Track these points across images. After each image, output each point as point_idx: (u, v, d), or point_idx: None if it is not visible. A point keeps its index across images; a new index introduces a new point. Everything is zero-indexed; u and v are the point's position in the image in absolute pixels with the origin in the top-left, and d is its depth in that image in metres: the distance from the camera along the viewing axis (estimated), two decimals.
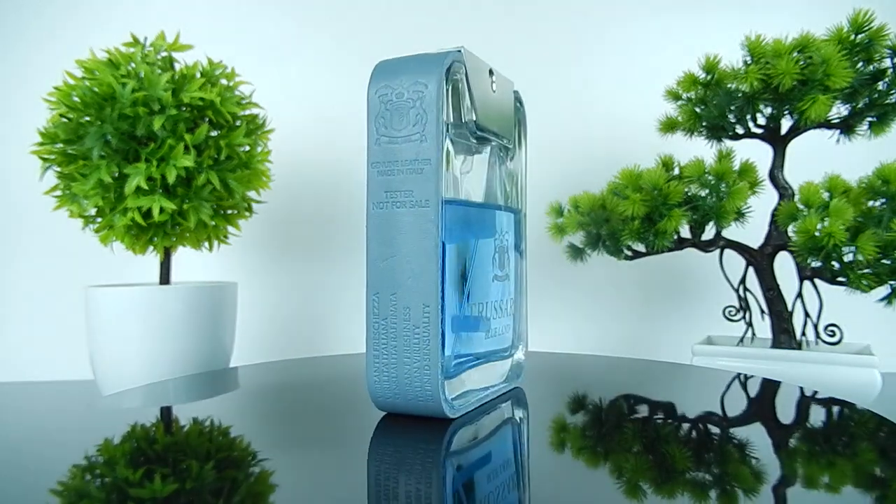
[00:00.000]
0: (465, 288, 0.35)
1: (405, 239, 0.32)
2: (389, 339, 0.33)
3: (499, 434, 0.33)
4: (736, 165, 0.76)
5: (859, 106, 0.69)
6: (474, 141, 0.36)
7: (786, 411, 0.40)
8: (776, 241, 0.74)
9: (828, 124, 0.73)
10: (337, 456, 0.30)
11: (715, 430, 0.34)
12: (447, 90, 0.32)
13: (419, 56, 0.33)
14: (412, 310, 0.32)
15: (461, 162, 0.37)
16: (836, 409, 0.39)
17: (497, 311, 0.38)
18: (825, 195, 0.66)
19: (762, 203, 0.77)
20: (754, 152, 0.79)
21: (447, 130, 0.32)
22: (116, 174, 0.65)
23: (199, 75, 0.70)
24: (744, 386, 0.45)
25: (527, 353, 0.42)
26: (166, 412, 0.39)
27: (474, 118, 0.34)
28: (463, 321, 0.35)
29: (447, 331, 0.32)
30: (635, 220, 0.73)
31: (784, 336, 0.73)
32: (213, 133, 0.71)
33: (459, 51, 0.33)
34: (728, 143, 0.78)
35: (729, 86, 0.72)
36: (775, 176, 0.74)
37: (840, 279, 0.67)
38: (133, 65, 0.67)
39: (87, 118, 0.66)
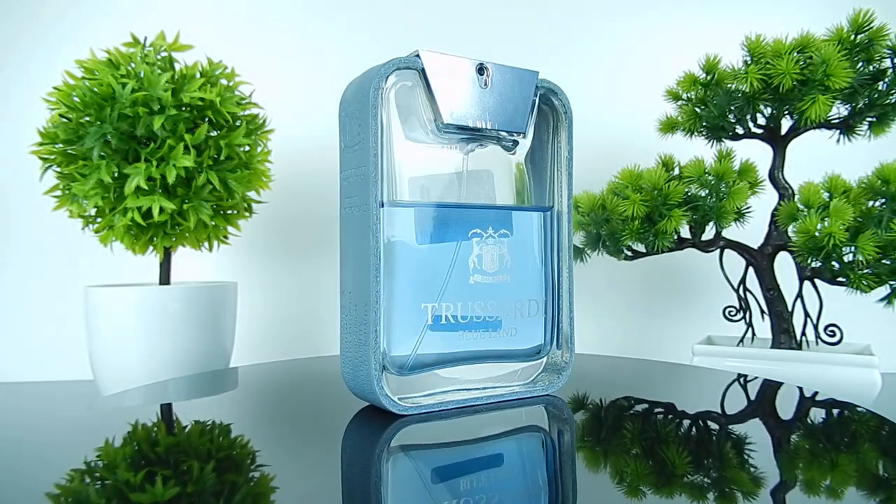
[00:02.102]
0: (438, 288, 0.35)
1: (355, 240, 0.35)
2: (347, 333, 0.36)
3: (457, 434, 0.33)
4: (736, 165, 0.76)
5: (859, 106, 0.69)
6: (446, 140, 0.36)
7: (786, 412, 0.40)
8: (776, 241, 0.74)
9: (828, 124, 0.73)
10: (325, 453, 0.30)
11: (715, 430, 0.34)
12: (383, 98, 0.34)
13: (370, 69, 0.35)
14: (358, 307, 0.34)
15: (460, 161, 0.37)
16: (836, 409, 0.39)
17: (488, 312, 0.37)
18: (825, 195, 0.66)
19: (762, 203, 0.77)
20: (754, 152, 0.79)
21: (382, 136, 0.34)
22: (116, 174, 0.65)
23: (198, 75, 0.70)
24: (744, 386, 0.45)
25: (570, 357, 0.40)
26: (166, 412, 0.39)
27: (437, 119, 0.34)
28: (417, 320, 0.35)
29: (385, 328, 0.34)
30: (635, 220, 0.73)
31: (784, 336, 0.73)
32: (213, 133, 0.71)
33: (417, 56, 0.34)
34: (728, 143, 0.78)
35: (729, 86, 0.72)
36: (775, 176, 0.74)
37: (840, 279, 0.67)
38: (133, 65, 0.67)
39: (87, 118, 0.66)
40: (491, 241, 0.37)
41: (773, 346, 0.73)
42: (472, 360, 0.37)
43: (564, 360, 0.40)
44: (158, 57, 0.70)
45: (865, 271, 0.64)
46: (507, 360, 0.38)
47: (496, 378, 0.38)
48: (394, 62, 0.33)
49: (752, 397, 0.43)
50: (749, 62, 0.69)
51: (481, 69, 0.35)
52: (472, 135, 0.36)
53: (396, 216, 0.34)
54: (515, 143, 0.38)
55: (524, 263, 0.38)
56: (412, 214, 0.35)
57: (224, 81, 0.73)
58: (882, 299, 0.65)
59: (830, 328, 0.71)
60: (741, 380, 0.47)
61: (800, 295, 0.73)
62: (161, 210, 0.66)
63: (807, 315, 0.72)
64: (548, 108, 0.40)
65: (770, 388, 0.45)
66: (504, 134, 0.36)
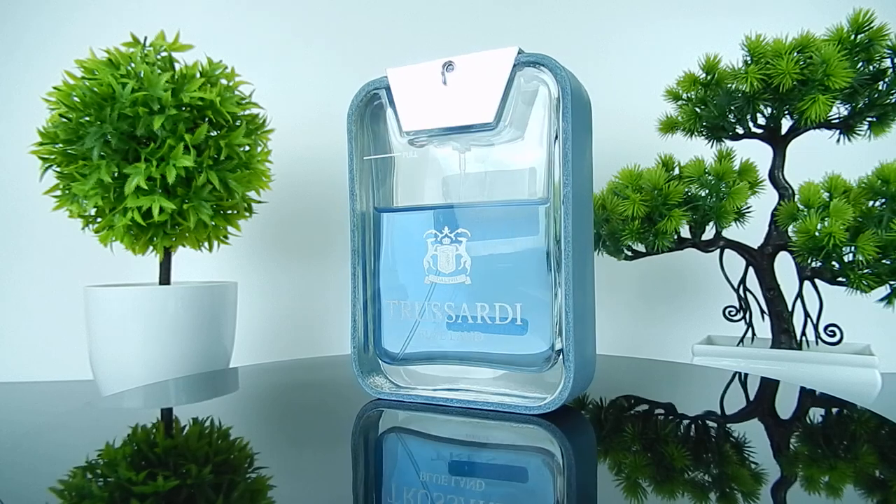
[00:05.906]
0: (401, 287, 0.38)
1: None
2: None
3: (419, 428, 0.33)
4: (736, 165, 0.76)
5: (859, 106, 0.69)
6: (429, 146, 0.37)
7: (785, 411, 0.40)
8: (776, 241, 0.74)
9: (828, 124, 0.73)
10: (325, 453, 0.30)
11: (715, 429, 0.34)
12: (363, 118, 0.38)
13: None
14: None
15: (461, 164, 0.37)
16: (835, 408, 0.39)
17: (447, 313, 0.36)
18: (825, 195, 0.66)
19: (762, 203, 0.77)
20: (754, 152, 0.79)
21: (357, 155, 0.38)
22: (116, 174, 0.65)
23: (198, 75, 0.70)
24: (743, 385, 0.45)
25: (566, 379, 0.33)
26: (166, 413, 0.39)
27: (401, 129, 0.37)
28: (394, 316, 0.39)
29: (371, 322, 0.39)
30: (635, 220, 0.73)
31: (784, 336, 0.73)
32: (213, 133, 0.71)
33: (384, 77, 0.37)
34: (728, 143, 0.78)
35: (729, 86, 0.72)
36: (775, 176, 0.74)
37: (840, 279, 0.67)
38: (133, 65, 0.67)
39: (87, 118, 0.66)
40: (447, 241, 0.35)
41: (773, 346, 0.73)
42: (459, 361, 0.37)
43: (560, 377, 0.33)
44: (158, 57, 0.70)
45: (865, 271, 0.64)
46: (494, 365, 0.36)
47: (488, 381, 0.38)
48: (363, 88, 0.38)
49: (752, 396, 0.43)
50: (749, 62, 0.69)
51: (448, 66, 0.34)
52: (445, 135, 0.36)
53: (380, 221, 0.39)
54: (492, 132, 0.34)
55: (497, 265, 0.34)
56: (385, 219, 0.39)
57: (224, 81, 0.73)
58: (882, 299, 0.65)
59: (830, 328, 0.71)
60: (741, 378, 0.47)
61: (800, 295, 0.73)
62: (161, 210, 0.66)
63: (807, 315, 0.72)
64: (539, 84, 0.34)
65: (769, 387, 0.45)
66: (473, 127, 0.34)
